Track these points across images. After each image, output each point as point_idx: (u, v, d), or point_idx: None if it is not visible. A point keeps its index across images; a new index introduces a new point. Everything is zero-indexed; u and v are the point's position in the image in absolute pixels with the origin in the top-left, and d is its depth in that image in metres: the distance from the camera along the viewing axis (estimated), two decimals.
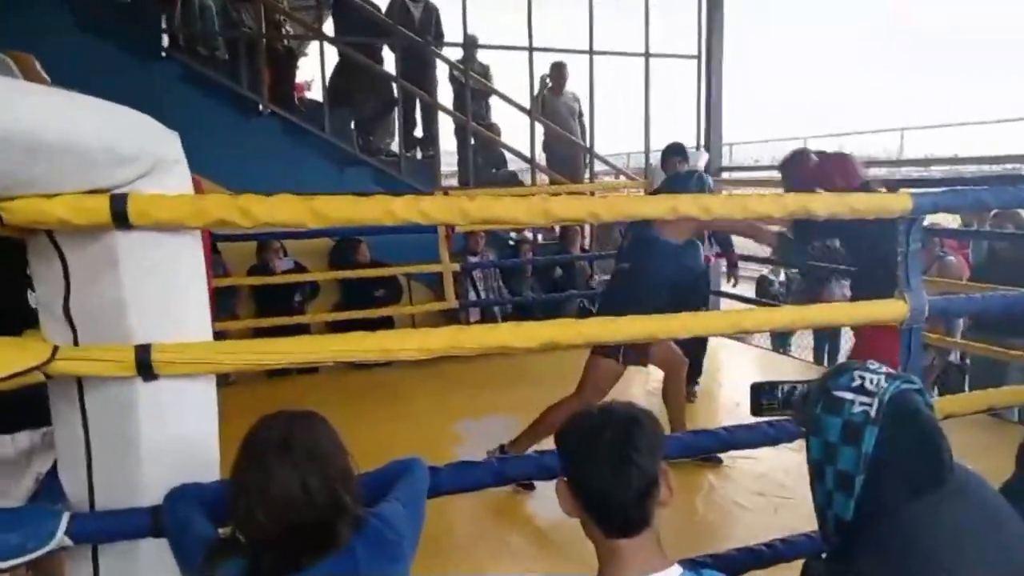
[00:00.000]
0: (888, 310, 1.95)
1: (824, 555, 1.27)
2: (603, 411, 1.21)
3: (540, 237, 6.43)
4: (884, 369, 1.20)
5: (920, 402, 1.17)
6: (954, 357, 4.54)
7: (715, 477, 3.25)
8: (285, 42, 6.29)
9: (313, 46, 6.13)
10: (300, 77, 7.99)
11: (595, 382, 3.09)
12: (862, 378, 1.18)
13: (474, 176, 6.19)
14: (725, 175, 6.41)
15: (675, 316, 1.81)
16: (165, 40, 5.44)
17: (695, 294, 4.13)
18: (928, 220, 5.06)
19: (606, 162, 7.09)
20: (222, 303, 4.73)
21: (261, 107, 5.52)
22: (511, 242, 6.04)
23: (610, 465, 1.14)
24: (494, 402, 4.21)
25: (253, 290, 5.14)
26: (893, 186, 3.54)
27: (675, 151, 4.46)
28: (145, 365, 1.31)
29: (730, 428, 1.87)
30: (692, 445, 1.84)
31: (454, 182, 7.04)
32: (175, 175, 1.36)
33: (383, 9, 6.12)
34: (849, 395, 1.18)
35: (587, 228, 6.32)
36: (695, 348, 4.16)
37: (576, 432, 1.20)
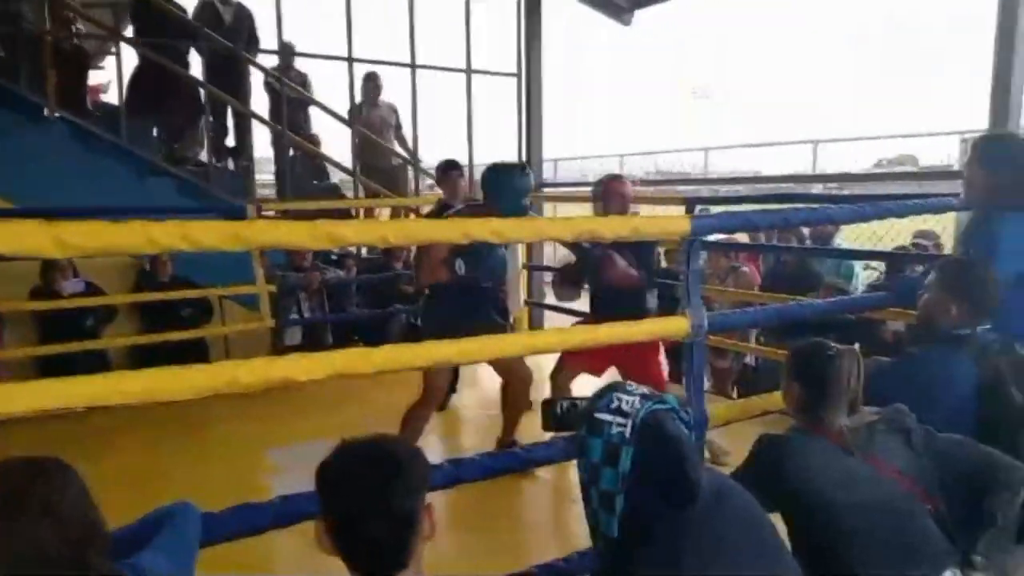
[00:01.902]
0: (671, 326, 2.07)
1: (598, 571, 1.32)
2: (363, 449, 1.17)
3: (364, 251, 6.29)
4: (640, 390, 1.27)
5: (670, 421, 1.24)
6: (750, 360, 4.93)
7: (542, 485, 3.31)
8: (75, 40, 5.72)
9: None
10: (101, 79, 7.37)
11: (432, 382, 3.28)
12: (619, 399, 1.24)
13: (293, 188, 5.95)
14: (547, 191, 6.59)
15: (472, 340, 1.80)
16: None
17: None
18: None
19: (429, 175, 7.08)
20: None
21: (47, 111, 4.99)
22: (333, 256, 5.85)
23: (367, 508, 1.11)
24: (315, 426, 4.02)
25: (36, 314, 4.60)
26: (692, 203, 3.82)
27: (452, 166, 4.42)
28: None
29: (528, 447, 1.90)
30: (490, 467, 1.84)
31: (272, 193, 6.74)
32: None
33: (190, 11, 5.75)
34: (608, 416, 1.23)
35: None
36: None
37: (334, 471, 1.16)
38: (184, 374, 1.43)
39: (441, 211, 4.20)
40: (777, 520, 1.47)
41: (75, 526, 1.05)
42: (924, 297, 2.14)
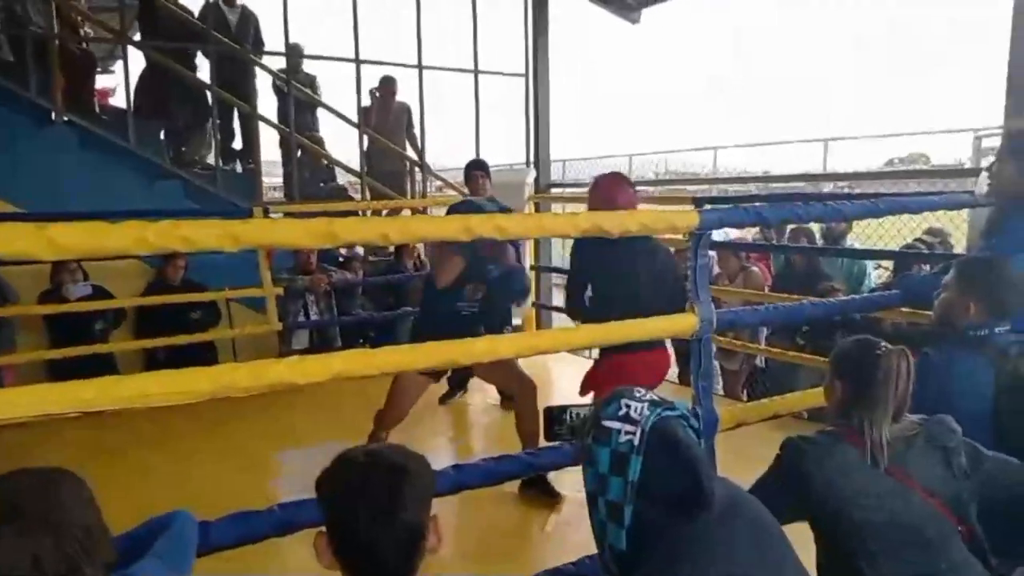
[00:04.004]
0: (680, 324, 2.02)
1: None
2: (368, 459, 1.12)
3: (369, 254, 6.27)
4: (648, 396, 1.21)
5: (680, 429, 1.19)
6: (759, 361, 4.88)
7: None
8: (84, 44, 5.74)
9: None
10: (108, 83, 7.41)
11: (399, 392, 3.21)
12: (628, 406, 1.19)
13: (300, 190, 5.94)
14: (555, 191, 6.56)
15: (473, 340, 1.77)
16: None
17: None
18: (736, 235, 5.51)
19: (438, 176, 7.07)
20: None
21: (54, 115, 5.00)
22: (340, 259, 5.84)
23: (374, 520, 1.06)
24: (326, 429, 4.00)
25: (46, 317, 4.60)
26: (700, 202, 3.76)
27: (476, 166, 4.43)
28: None
29: (533, 451, 1.86)
30: (494, 471, 1.80)
31: (280, 195, 6.74)
32: None
33: (196, 14, 5.76)
34: (616, 424, 1.18)
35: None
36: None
37: (338, 483, 1.11)
38: (181, 378, 1.40)
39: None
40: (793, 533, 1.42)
41: (73, 536, 1.03)
42: (941, 296, 2.08)
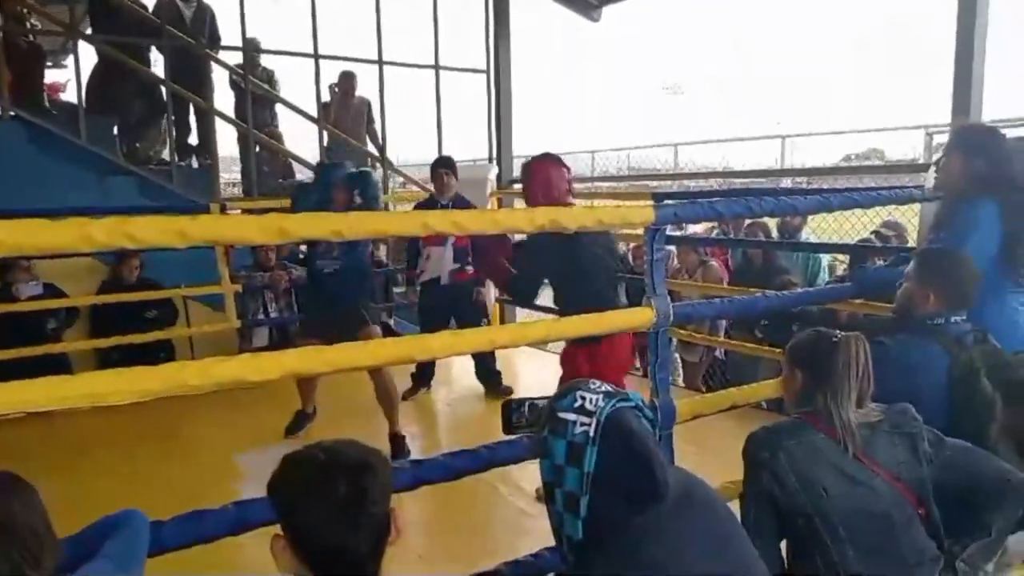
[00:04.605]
0: (637, 317, 2.04)
1: (563, 573, 1.28)
2: (329, 456, 1.09)
3: None
4: (604, 388, 1.22)
5: (634, 419, 1.19)
6: (720, 354, 4.95)
7: (502, 484, 3.28)
8: (31, 37, 5.58)
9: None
10: (60, 78, 7.21)
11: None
12: (583, 398, 1.19)
13: (259, 186, 5.85)
14: (518, 187, 6.54)
15: (434, 336, 1.76)
16: None
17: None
18: (694, 229, 5.57)
19: (400, 172, 7.03)
20: None
21: (0, 110, 4.85)
22: (301, 255, 5.77)
23: (340, 519, 1.03)
24: (282, 427, 3.97)
25: None
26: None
27: (442, 164, 4.48)
28: None
29: (491, 445, 1.86)
30: (452, 467, 1.80)
31: (239, 192, 6.63)
32: None
33: (150, 8, 5.64)
34: (572, 416, 1.18)
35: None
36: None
37: (297, 483, 1.07)
38: (129, 376, 1.37)
39: (429, 207, 4.47)
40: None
41: (16, 539, 1.01)
42: (903, 286, 2.12)
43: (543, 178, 2.84)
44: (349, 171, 3.72)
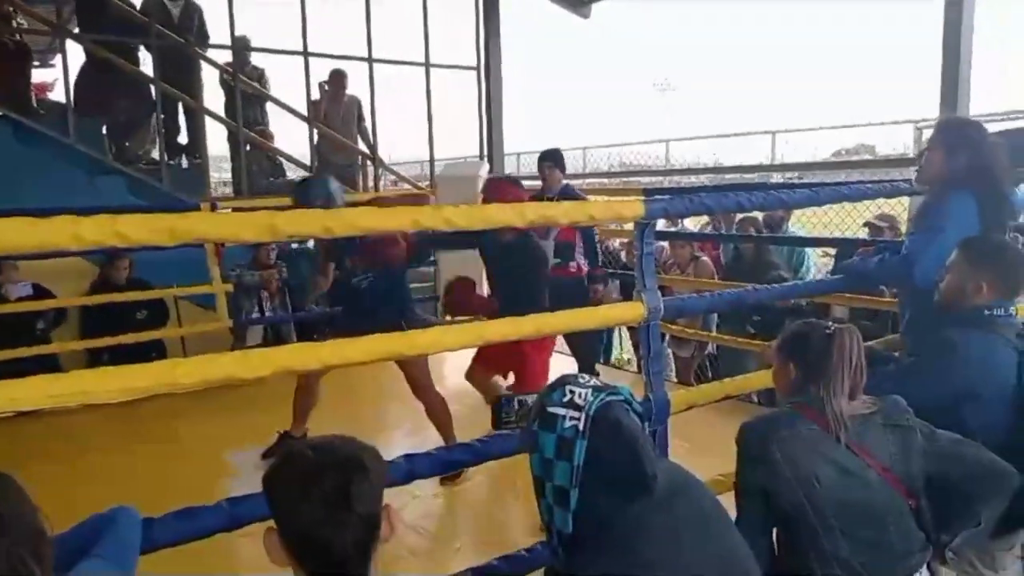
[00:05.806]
0: (628, 312, 2.05)
1: (554, 567, 1.29)
2: (321, 453, 1.09)
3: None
4: (593, 382, 1.23)
5: (623, 413, 1.20)
6: (711, 348, 4.97)
7: (494, 477, 3.29)
8: (17, 37, 5.54)
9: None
10: (48, 77, 7.17)
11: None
12: (572, 392, 1.20)
13: (248, 185, 5.84)
14: None
15: (422, 332, 1.77)
16: None
17: None
18: (685, 224, 5.59)
19: (391, 170, 7.02)
20: None
21: None
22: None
23: (330, 516, 1.03)
24: (280, 425, 3.95)
25: None
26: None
27: (544, 157, 4.45)
28: None
29: (483, 439, 1.87)
30: (446, 461, 1.81)
31: (229, 191, 6.61)
32: None
33: (138, 6, 5.61)
34: (561, 410, 1.19)
35: None
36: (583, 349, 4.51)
37: (290, 479, 1.07)
38: (119, 374, 1.37)
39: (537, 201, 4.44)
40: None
41: (16, 536, 1.00)
42: (947, 278, 2.01)
43: (500, 198, 3.16)
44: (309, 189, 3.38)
